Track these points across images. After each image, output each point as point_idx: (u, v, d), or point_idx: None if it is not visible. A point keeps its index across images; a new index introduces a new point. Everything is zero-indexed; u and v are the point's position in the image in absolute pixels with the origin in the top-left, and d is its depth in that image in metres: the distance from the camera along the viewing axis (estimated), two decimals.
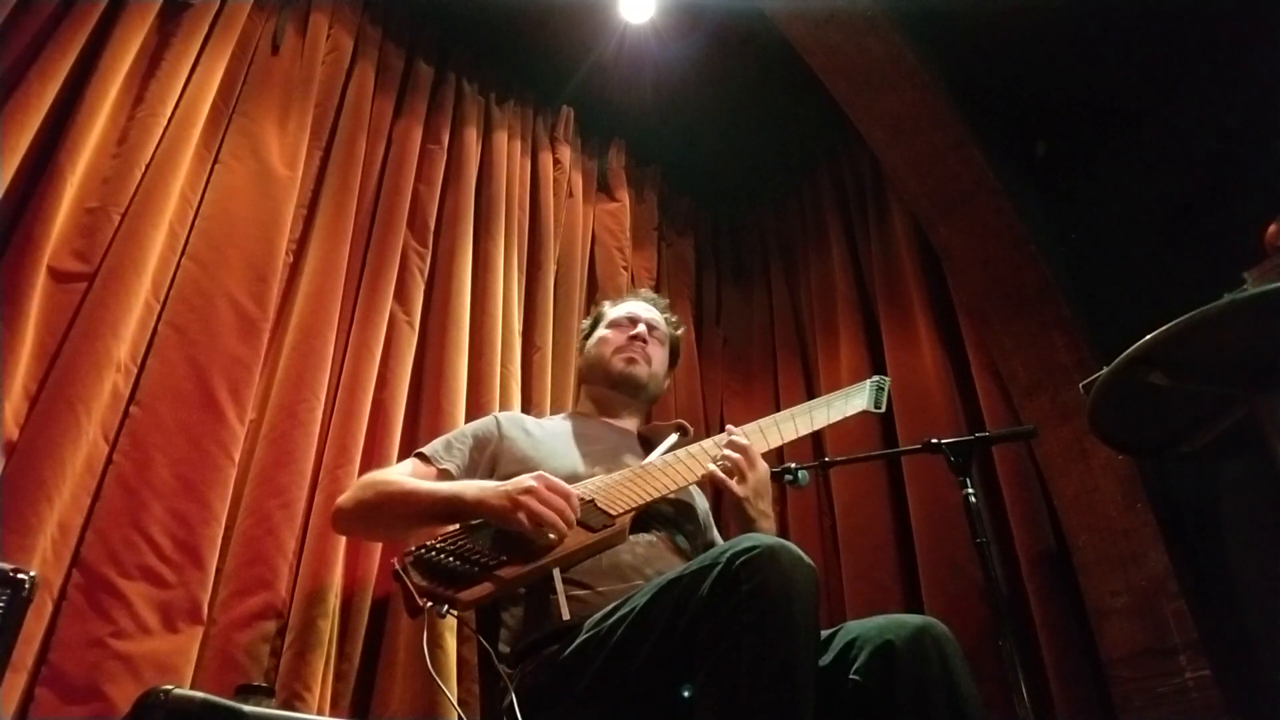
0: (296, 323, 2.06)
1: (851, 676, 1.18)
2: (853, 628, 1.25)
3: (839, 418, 1.64)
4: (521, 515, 1.29)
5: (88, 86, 1.89)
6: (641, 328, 1.82)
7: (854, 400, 1.66)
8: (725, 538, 1.69)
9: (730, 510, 1.52)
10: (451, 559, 1.26)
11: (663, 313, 1.93)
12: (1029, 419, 2.31)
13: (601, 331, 1.86)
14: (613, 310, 1.92)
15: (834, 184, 3.19)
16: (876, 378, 1.69)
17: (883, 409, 1.66)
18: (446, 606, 1.21)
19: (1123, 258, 2.45)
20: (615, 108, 3.14)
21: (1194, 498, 2.12)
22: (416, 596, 1.22)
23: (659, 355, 1.84)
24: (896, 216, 2.88)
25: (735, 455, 1.49)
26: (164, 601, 1.62)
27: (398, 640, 1.88)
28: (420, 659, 1.70)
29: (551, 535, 1.30)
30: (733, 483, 1.46)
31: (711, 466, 1.49)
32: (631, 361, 1.78)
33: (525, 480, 1.34)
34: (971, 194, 2.52)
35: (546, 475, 1.36)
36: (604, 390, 1.80)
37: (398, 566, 1.27)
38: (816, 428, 1.64)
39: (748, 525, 1.47)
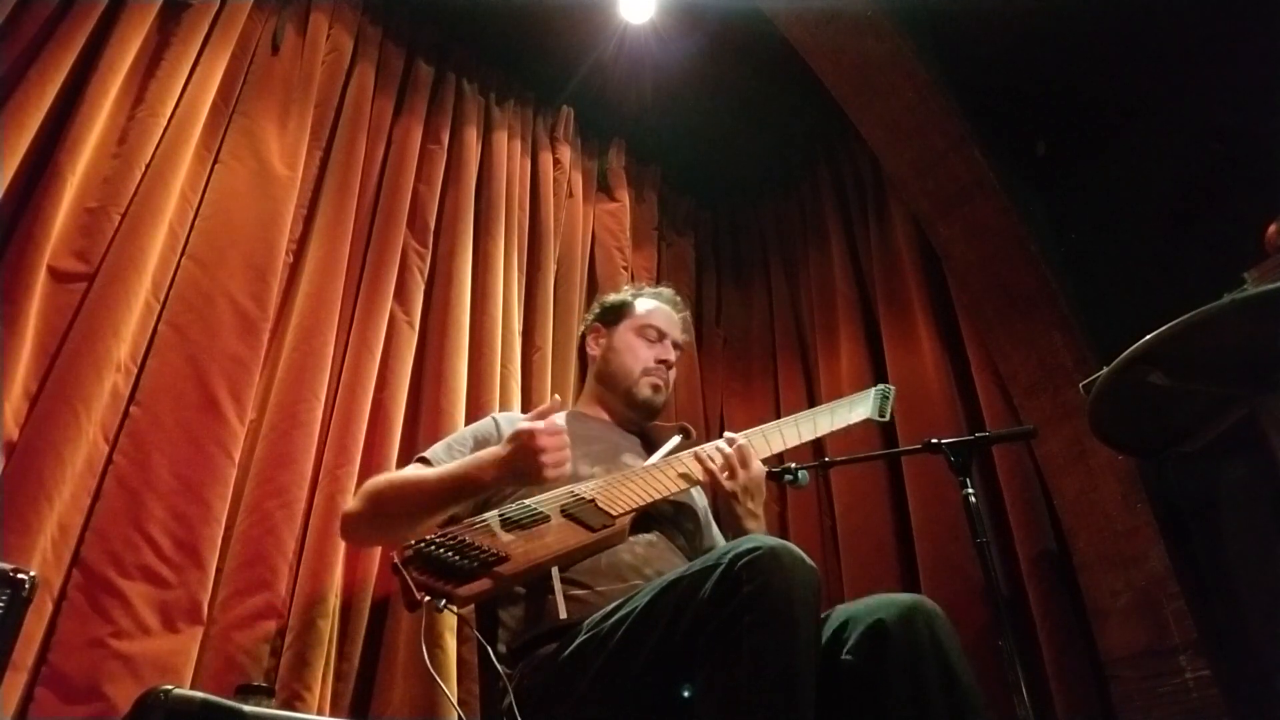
0: (296, 323, 2.06)
1: (844, 657, 1.18)
2: (844, 609, 1.26)
3: (842, 425, 1.67)
4: (545, 459, 1.32)
5: (88, 86, 1.89)
6: (672, 353, 1.79)
7: (858, 408, 1.69)
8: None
9: (719, 506, 1.54)
10: (450, 554, 1.25)
11: (681, 317, 1.89)
12: (1029, 419, 2.30)
13: (628, 336, 1.80)
14: (642, 309, 1.84)
15: (834, 184, 3.19)
16: (881, 386, 1.71)
17: (887, 418, 1.69)
18: (444, 601, 1.20)
19: (1123, 258, 2.44)
20: (615, 108, 3.13)
21: (1194, 498, 2.11)
22: (414, 590, 1.21)
23: (674, 376, 1.84)
24: (896, 216, 2.87)
25: (729, 450, 1.52)
26: (164, 601, 1.62)
27: (398, 640, 1.88)
28: (420, 659, 1.70)
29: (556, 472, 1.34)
30: (723, 477, 1.49)
31: (703, 458, 1.51)
32: (657, 390, 1.75)
33: (522, 431, 1.35)
34: (971, 194, 2.52)
35: (528, 425, 1.36)
36: (619, 405, 1.77)
37: (397, 560, 1.26)
38: (819, 434, 1.66)
39: (735, 523, 1.49)
